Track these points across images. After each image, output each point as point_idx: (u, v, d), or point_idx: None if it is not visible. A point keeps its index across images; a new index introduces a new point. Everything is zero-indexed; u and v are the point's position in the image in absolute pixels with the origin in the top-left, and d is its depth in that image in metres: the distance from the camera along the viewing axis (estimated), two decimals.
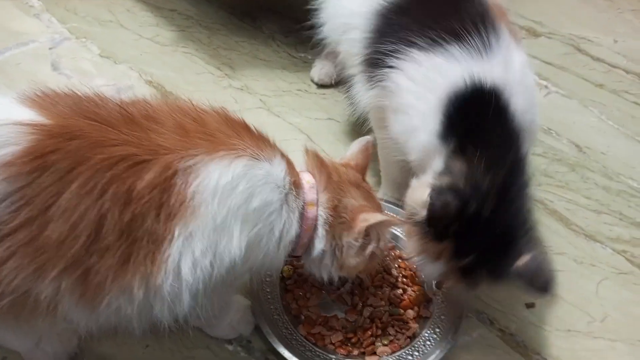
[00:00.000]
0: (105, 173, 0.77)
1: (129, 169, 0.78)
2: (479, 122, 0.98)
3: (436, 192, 0.94)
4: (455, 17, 1.05)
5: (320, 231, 0.94)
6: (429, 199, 0.94)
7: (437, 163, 1.02)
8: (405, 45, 1.07)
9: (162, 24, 1.74)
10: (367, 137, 1.07)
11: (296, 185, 0.92)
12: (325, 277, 0.98)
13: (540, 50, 1.80)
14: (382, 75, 1.12)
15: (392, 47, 1.09)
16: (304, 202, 0.92)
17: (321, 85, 1.61)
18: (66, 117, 0.80)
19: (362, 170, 1.05)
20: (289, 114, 1.54)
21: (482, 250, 0.95)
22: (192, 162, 0.81)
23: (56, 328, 0.90)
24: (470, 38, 1.02)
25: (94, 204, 0.76)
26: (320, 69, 1.60)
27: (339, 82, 1.60)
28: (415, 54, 1.05)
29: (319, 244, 0.94)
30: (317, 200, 0.94)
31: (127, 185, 0.77)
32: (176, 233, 0.79)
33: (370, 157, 1.07)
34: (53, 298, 0.78)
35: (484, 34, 1.02)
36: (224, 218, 0.82)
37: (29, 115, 0.78)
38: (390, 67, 1.10)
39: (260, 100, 1.56)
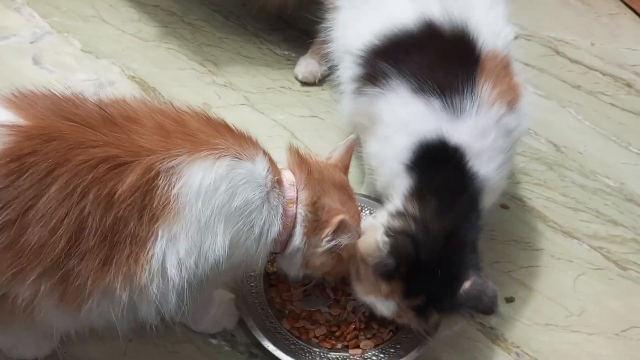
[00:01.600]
0: (86, 175, 0.76)
1: (110, 171, 0.77)
2: (437, 173, 1.03)
3: (395, 234, 0.96)
4: (449, 71, 1.06)
5: (299, 229, 0.95)
6: (382, 240, 0.96)
7: (394, 202, 1.05)
8: (400, 77, 1.08)
9: (145, 20, 1.73)
10: (352, 137, 1.08)
11: (278, 183, 0.93)
12: (293, 274, 1.00)
13: (520, 52, 1.82)
14: (370, 94, 1.13)
15: (389, 71, 1.10)
16: (284, 200, 0.93)
17: (305, 83, 1.61)
18: (44, 118, 0.79)
19: (345, 169, 1.06)
20: (272, 110, 1.54)
21: (431, 291, 0.97)
22: (175, 162, 0.81)
23: (37, 327, 0.89)
24: (453, 97, 1.04)
25: (74, 208, 0.75)
26: (305, 67, 1.60)
27: (322, 80, 1.61)
28: (406, 92, 1.07)
29: (296, 241, 0.95)
30: (297, 198, 0.94)
31: (108, 188, 0.77)
32: (159, 234, 0.79)
33: (353, 154, 1.09)
34: (31, 301, 0.77)
35: (465, 97, 1.03)
36: (208, 218, 0.82)
37: (6, 116, 0.77)
38: (380, 89, 1.11)
39: (244, 97, 1.57)
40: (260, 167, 0.89)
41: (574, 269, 1.30)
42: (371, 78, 1.13)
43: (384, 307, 1.01)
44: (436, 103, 1.04)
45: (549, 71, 1.80)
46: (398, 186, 1.05)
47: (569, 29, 1.97)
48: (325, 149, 1.44)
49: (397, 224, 1.00)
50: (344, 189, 1.02)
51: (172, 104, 0.90)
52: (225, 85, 1.58)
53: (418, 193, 1.02)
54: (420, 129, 1.04)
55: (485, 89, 1.05)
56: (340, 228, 0.93)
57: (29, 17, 1.68)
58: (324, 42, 1.40)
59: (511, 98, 1.08)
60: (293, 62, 1.65)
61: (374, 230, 1.00)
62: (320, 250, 0.95)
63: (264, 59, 1.67)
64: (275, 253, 0.99)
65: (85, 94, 0.88)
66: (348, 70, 1.22)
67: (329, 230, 0.93)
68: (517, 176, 1.46)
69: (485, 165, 1.03)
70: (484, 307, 0.97)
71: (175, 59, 1.64)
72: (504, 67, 1.12)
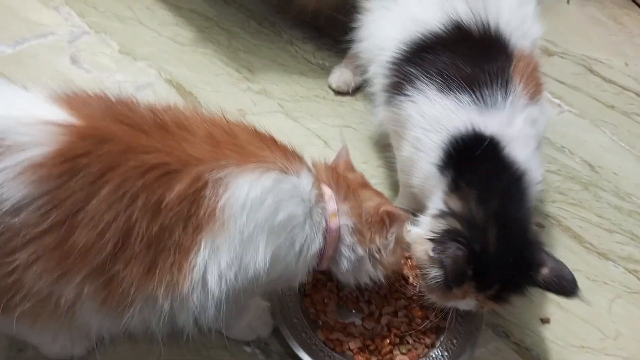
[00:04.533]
0: (136, 181, 0.76)
1: (160, 179, 0.77)
2: (473, 162, 1.04)
3: (441, 248, 0.97)
4: (478, 68, 1.10)
5: (349, 240, 0.95)
6: (434, 254, 0.98)
7: (435, 202, 1.06)
8: (427, 78, 1.12)
9: (181, 24, 1.74)
10: (344, 145, 1.09)
11: (321, 198, 0.93)
12: (367, 281, 0.99)
13: (554, 69, 1.82)
14: (398, 102, 1.17)
15: (416, 74, 1.13)
16: (327, 214, 0.93)
17: (338, 93, 1.61)
18: (98, 120, 0.79)
19: (354, 169, 1.08)
20: (306, 119, 1.54)
21: (503, 278, 0.98)
22: (222, 174, 0.80)
23: (75, 328, 0.88)
24: (482, 90, 1.08)
25: (123, 213, 0.75)
26: (339, 77, 1.60)
27: (356, 91, 1.61)
28: (432, 91, 1.10)
29: (349, 252, 0.94)
30: (338, 210, 0.94)
31: (157, 196, 0.76)
32: (202, 245, 0.79)
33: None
34: (74, 303, 0.77)
35: (495, 89, 1.08)
36: (251, 231, 0.82)
37: (61, 115, 0.77)
38: (407, 95, 1.15)
39: (279, 104, 1.57)
40: (305, 182, 0.89)
41: (609, 291, 1.29)
42: (398, 86, 1.16)
43: (465, 305, 1.03)
44: (466, 98, 1.07)
45: (583, 90, 1.79)
46: (435, 187, 1.07)
47: (602, 48, 1.96)
48: (357, 158, 1.45)
49: (441, 225, 1.00)
50: (369, 186, 1.04)
51: (223, 114, 0.90)
52: (260, 93, 1.58)
53: (456, 187, 1.03)
54: (450, 125, 1.07)
55: (517, 83, 1.09)
56: (390, 217, 0.96)
57: (67, 16, 1.69)
58: (358, 50, 1.41)
59: (535, 91, 1.13)
60: (327, 72, 1.65)
61: (421, 240, 1.01)
62: (391, 246, 0.97)
63: (299, 67, 1.67)
64: (321, 271, 0.99)
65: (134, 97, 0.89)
66: (378, 78, 1.25)
67: (387, 224, 0.96)
68: (552, 195, 1.45)
69: (521, 150, 1.05)
70: (564, 291, 0.99)
71: (211, 64, 1.64)
72: (532, 63, 1.16)
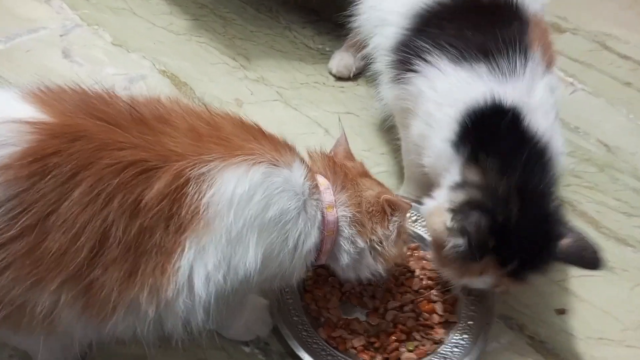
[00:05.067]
0: (112, 180, 0.71)
1: (137, 177, 0.72)
2: (493, 133, 0.98)
3: (463, 216, 0.92)
4: (491, 35, 1.04)
5: (348, 232, 0.89)
6: (452, 224, 0.93)
7: (451, 175, 1.00)
8: (437, 50, 1.06)
9: (175, 13, 1.68)
10: (342, 133, 1.04)
11: (316, 190, 0.87)
12: (368, 276, 0.94)
13: (566, 47, 1.74)
14: (407, 78, 1.11)
15: (425, 47, 1.07)
16: (323, 207, 0.87)
17: (339, 78, 1.55)
18: (71, 116, 0.74)
19: (354, 158, 1.03)
20: (306, 107, 1.48)
21: (523, 252, 0.93)
22: (206, 169, 0.75)
23: (62, 335, 0.84)
24: (498, 59, 1.02)
25: (98, 214, 0.70)
26: (339, 61, 1.54)
27: (357, 75, 1.55)
28: (444, 63, 1.05)
29: (348, 245, 0.89)
30: (335, 201, 0.89)
31: (134, 195, 0.72)
32: (187, 246, 0.74)
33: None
34: (50, 311, 0.72)
35: (513, 57, 1.02)
36: (240, 230, 0.77)
37: (30, 112, 0.72)
38: (416, 71, 1.09)
39: (277, 92, 1.51)
40: (297, 174, 0.84)
41: (628, 279, 1.21)
42: (407, 61, 1.10)
43: (481, 283, 0.98)
44: (482, 68, 1.02)
45: (597, 67, 1.71)
46: (449, 164, 1.01)
47: (616, 22, 1.87)
48: (360, 145, 1.40)
49: (460, 196, 0.96)
50: (369, 176, 0.99)
51: (206, 106, 0.85)
52: (257, 81, 1.53)
53: (476, 158, 0.97)
54: (466, 97, 1.01)
55: (535, 49, 1.04)
56: (391, 206, 0.91)
57: (59, 10, 1.65)
58: (358, 25, 1.35)
59: (551, 57, 1.09)
60: (327, 57, 1.59)
61: (439, 211, 0.96)
62: (393, 237, 0.92)
63: (297, 53, 1.61)
64: (320, 266, 0.94)
65: (116, 90, 0.83)
66: (381, 54, 1.20)
67: (388, 214, 0.92)
68: (567, 178, 1.37)
69: (542, 120, 1.00)
70: (587, 264, 0.95)
71: (207, 53, 1.59)
72: (545, 29, 1.12)
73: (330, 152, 1.00)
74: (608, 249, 1.25)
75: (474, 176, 0.97)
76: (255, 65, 1.56)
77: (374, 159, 1.38)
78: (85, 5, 1.67)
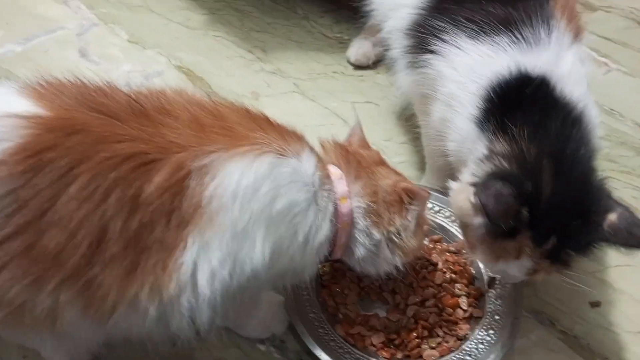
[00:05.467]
0: (109, 174, 0.68)
1: (136, 170, 0.69)
2: (521, 103, 0.92)
3: (482, 187, 0.84)
4: (510, 5, 0.99)
5: (363, 223, 0.85)
6: (476, 199, 0.84)
7: (477, 152, 0.93)
8: (454, 28, 1.01)
9: (192, 8, 1.66)
10: (357, 122, 0.99)
11: (327, 180, 0.83)
12: (387, 270, 0.89)
13: (598, 26, 1.65)
14: (424, 61, 1.05)
15: (441, 26, 1.02)
16: (335, 199, 0.83)
17: (358, 67, 1.50)
18: (68, 109, 0.71)
19: (369, 147, 0.98)
20: (324, 97, 1.44)
21: (561, 227, 0.83)
22: (208, 160, 0.72)
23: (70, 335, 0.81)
24: (521, 29, 0.97)
25: (96, 210, 0.68)
26: (358, 49, 1.49)
27: (376, 63, 1.50)
28: (463, 40, 0.99)
29: (364, 238, 0.85)
30: (349, 192, 0.84)
31: (133, 189, 0.69)
32: (189, 241, 0.70)
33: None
34: (51, 311, 0.70)
35: (536, 26, 0.97)
36: (246, 224, 0.73)
37: (26, 106, 0.70)
38: (433, 52, 1.03)
39: (294, 84, 1.47)
40: (306, 164, 0.80)
41: None
42: (423, 43, 1.04)
43: (517, 268, 0.88)
44: (504, 40, 0.96)
45: (633, 45, 1.61)
46: (475, 140, 0.94)
47: None
48: (381, 135, 1.35)
49: (485, 168, 0.88)
50: (386, 164, 0.94)
51: (210, 98, 0.82)
52: (274, 73, 1.49)
53: (503, 129, 0.89)
54: (489, 71, 0.95)
55: (559, 18, 0.99)
56: (409, 195, 0.87)
57: (76, 10, 1.65)
58: (372, 8, 1.30)
59: (579, 29, 1.03)
60: (346, 46, 1.54)
61: (463, 188, 0.90)
62: (411, 228, 0.87)
63: (315, 43, 1.57)
64: (336, 260, 0.90)
65: (119, 84, 0.81)
66: (396, 39, 1.15)
67: (406, 203, 0.87)
68: (601, 163, 1.26)
69: (575, 88, 0.94)
70: (636, 242, 0.83)
71: (223, 47, 1.56)
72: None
73: (344, 141, 0.96)
74: None
75: (501, 146, 0.89)
76: (272, 58, 1.53)
77: (394, 148, 1.33)
78: (102, 4, 1.66)
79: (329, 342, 0.96)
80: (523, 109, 0.91)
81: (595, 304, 1.07)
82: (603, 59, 1.56)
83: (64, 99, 0.73)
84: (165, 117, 0.75)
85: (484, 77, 0.95)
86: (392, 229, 0.87)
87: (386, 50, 1.25)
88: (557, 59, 0.96)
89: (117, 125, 0.71)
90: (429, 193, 0.91)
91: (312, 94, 1.44)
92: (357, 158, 0.89)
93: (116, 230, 0.68)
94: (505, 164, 0.86)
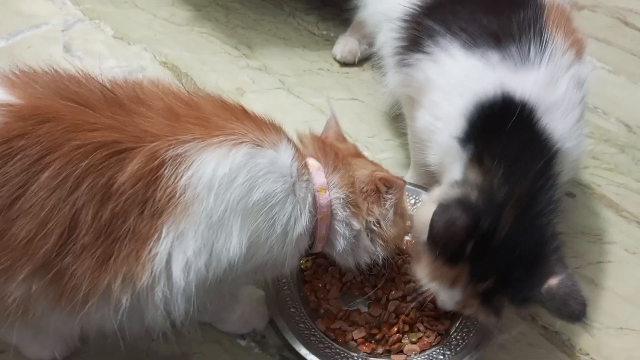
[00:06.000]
0: (81, 162, 0.67)
1: (109, 159, 0.69)
2: (502, 134, 0.88)
3: (442, 207, 0.83)
4: (505, 18, 0.94)
5: (342, 214, 0.85)
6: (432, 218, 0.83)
7: (453, 173, 0.92)
8: (448, 33, 0.97)
9: (177, 4, 1.65)
10: (331, 113, 0.99)
11: (306, 171, 0.83)
12: (367, 261, 0.89)
13: (584, 24, 1.62)
14: (415, 60, 1.02)
15: (436, 29, 0.98)
16: (314, 190, 0.83)
17: (344, 64, 1.50)
18: (40, 98, 0.71)
19: (345, 140, 0.98)
20: (309, 94, 1.43)
21: (502, 272, 0.83)
22: (182, 149, 0.71)
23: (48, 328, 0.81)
24: (511, 45, 0.91)
25: (67, 199, 0.67)
26: (344, 46, 1.49)
27: (362, 60, 1.50)
28: (456, 48, 0.95)
29: (344, 228, 0.85)
30: (328, 183, 0.84)
31: (105, 178, 0.68)
32: (164, 231, 0.70)
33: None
34: (23, 301, 0.69)
35: (526, 44, 0.91)
36: (221, 215, 0.72)
37: None
38: (426, 52, 1.00)
39: (279, 80, 1.47)
40: (284, 155, 0.79)
41: None
42: (416, 44, 1.02)
43: (448, 296, 0.87)
44: (494, 55, 0.91)
45: (617, 44, 1.62)
46: (455, 159, 0.91)
47: None
48: (365, 131, 1.35)
49: (455, 192, 0.87)
50: (362, 156, 0.94)
51: (186, 88, 0.81)
52: (259, 69, 1.49)
53: (480, 159, 0.87)
54: (476, 88, 0.90)
55: (556, 35, 0.92)
56: (385, 184, 0.87)
57: (61, 5, 1.63)
58: (362, 18, 1.30)
59: (579, 46, 0.97)
60: (332, 43, 1.54)
61: (429, 205, 0.88)
62: (390, 216, 0.87)
63: (301, 40, 1.57)
64: (317, 253, 0.89)
65: (94, 73, 0.80)
66: (388, 39, 1.11)
67: (383, 192, 0.86)
68: (585, 160, 1.30)
69: (560, 121, 0.88)
70: (569, 313, 0.81)
71: (209, 43, 1.55)
72: (566, 14, 1.01)
73: (321, 135, 0.96)
74: (629, 234, 1.19)
75: (475, 176, 0.87)
76: (258, 54, 1.52)
77: (379, 145, 1.33)
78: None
79: (309, 337, 0.96)
80: (503, 139, 0.87)
81: None
82: (588, 58, 1.56)
83: (37, 88, 0.72)
84: (139, 107, 0.74)
85: (471, 93, 0.91)
86: (371, 218, 0.87)
87: (372, 46, 1.24)
88: (548, 83, 0.90)
89: (90, 113, 0.71)
90: (404, 182, 0.91)
91: (298, 91, 1.44)
92: (334, 150, 0.89)
93: (88, 220, 0.68)
94: (474, 195, 0.84)
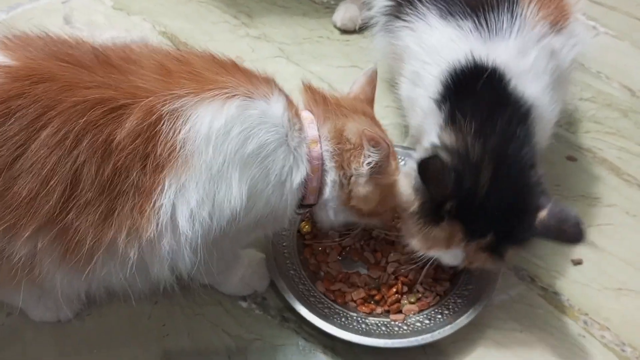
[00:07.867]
0: (79, 119, 0.68)
1: (106, 115, 0.70)
2: (473, 95, 0.92)
3: (423, 160, 0.85)
4: None
5: (329, 165, 0.85)
6: (417, 179, 0.85)
7: (431, 136, 0.93)
8: (427, 2, 1.00)
9: None
10: (373, 67, 0.98)
11: (298, 122, 0.83)
12: (332, 217, 0.89)
13: None
14: (396, 27, 1.06)
15: None
16: (306, 142, 0.83)
17: (344, 31, 1.49)
18: (34, 59, 0.71)
19: (369, 101, 0.96)
20: (309, 62, 1.43)
21: (499, 225, 0.86)
22: (179, 104, 0.72)
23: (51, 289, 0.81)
24: (486, 15, 0.95)
25: (67, 156, 0.68)
26: (344, 13, 1.48)
27: (363, 28, 1.49)
28: (433, 16, 0.99)
29: (330, 178, 0.85)
30: (319, 136, 0.85)
31: (104, 135, 0.69)
32: (166, 184, 0.71)
33: (376, 88, 0.99)
34: (30, 259, 0.71)
35: (500, 14, 0.95)
36: (220, 166, 0.74)
37: None
38: (406, 20, 1.03)
39: (279, 48, 1.46)
40: (275, 106, 0.80)
41: None
42: (399, 9, 1.04)
43: (451, 257, 0.90)
44: (467, 24, 0.95)
45: (620, 9, 1.60)
46: (431, 124, 0.94)
47: None
48: None
49: (429, 154, 0.88)
50: (371, 118, 0.93)
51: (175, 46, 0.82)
52: (259, 38, 1.48)
53: (452, 120, 0.90)
54: (450, 56, 0.94)
55: (526, 6, 0.96)
56: (369, 141, 0.83)
57: None
58: None
59: (556, 17, 0.99)
60: (332, 10, 1.53)
61: (407, 174, 0.90)
62: (363, 175, 0.85)
63: (301, 8, 1.56)
64: (308, 205, 0.89)
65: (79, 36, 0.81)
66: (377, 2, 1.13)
67: (365, 149, 0.84)
68: (586, 124, 1.29)
69: (530, 85, 0.92)
70: (568, 238, 0.85)
71: (208, 12, 1.55)
72: None
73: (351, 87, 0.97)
74: (630, 197, 1.18)
75: (448, 138, 0.89)
76: (258, 22, 1.52)
77: (379, 112, 1.26)
78: None
79: (309, 297, 0.97)
80: (474, 100, 0.91)
81: (578, 262, 1.08)
82: (591, 23, 1.54)
83: (30, 50, 0.73)
84: (131, 65, 0.75)
85: (445, 62, 0.94)
86: (344, 172, 0.86)
87: (368, 9, 1.24)
88: (518, 51, 0.93)
89: (85, 73, 0.72)
90: (388, 144, 0.89)
91: (297, 59, 1.43)
92: (325, 99, 0.88)
93: (90, 176, 0.69)
94: (449, 158, 0.86)
